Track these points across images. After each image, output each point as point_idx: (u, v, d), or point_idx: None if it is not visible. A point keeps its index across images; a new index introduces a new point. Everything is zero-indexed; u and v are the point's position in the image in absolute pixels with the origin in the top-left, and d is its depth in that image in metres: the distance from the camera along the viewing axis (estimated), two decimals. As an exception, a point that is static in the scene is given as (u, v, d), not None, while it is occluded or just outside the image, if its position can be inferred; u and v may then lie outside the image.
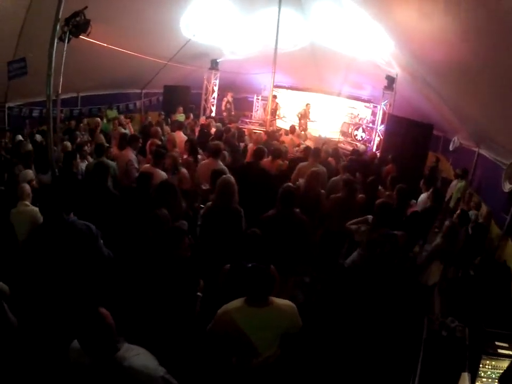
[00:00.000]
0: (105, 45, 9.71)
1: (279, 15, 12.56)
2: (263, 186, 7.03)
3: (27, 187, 5.77)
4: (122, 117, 14.12)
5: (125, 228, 5.66)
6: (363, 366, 5.28)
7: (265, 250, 4.43)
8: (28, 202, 5.64)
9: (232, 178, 5.63)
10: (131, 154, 7.80)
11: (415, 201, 8.08)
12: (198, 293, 4.47)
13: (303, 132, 16.73)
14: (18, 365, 4.01)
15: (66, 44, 6.95)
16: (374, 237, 5.78)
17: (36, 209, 5.54)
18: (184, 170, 7.36)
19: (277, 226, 5.31)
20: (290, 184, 6.32)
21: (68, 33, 6.83)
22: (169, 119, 14.40)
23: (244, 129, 14.40)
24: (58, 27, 6.51)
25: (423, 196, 7.99)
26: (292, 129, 13.61)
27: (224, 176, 5.69)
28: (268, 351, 3.86)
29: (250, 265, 3.75)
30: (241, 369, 3.89)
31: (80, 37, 7.18)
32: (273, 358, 3.93)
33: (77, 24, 6.84)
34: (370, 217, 6.13)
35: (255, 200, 6.34)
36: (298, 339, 4.28)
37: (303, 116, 18.17)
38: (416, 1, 7.24)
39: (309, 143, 13.37)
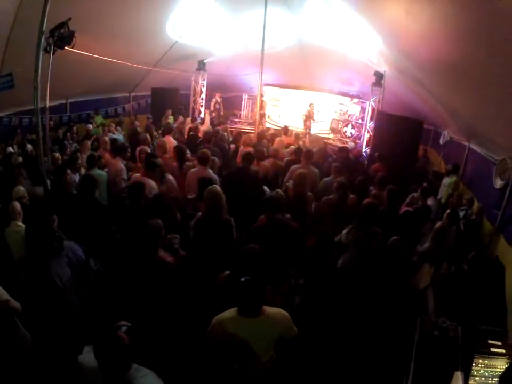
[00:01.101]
0: (91, 54, 9.65)
1: (265, 14, 12.47)
2: (254, 193, 7.01)
3: (17, 206, 5.69)
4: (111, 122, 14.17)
5: (116, 238, 5.71)
6: (357, 366, 5.33)
7: (261, 261, 4.45)
8: (19, 222, 5.58)
9: (218, 188, 5.65)
10: (120, 164, 7.83)
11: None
12: None
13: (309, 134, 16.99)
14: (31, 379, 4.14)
15: (51, 56, 6.89)
16: (359, 235, 5.91)
17: None
18: (170, 177, 7.35)
19: (267, 234, 5.32)
20: (278, 190, 6.36)
21: (53, 45, 6.77)
22: (157, 123, 14.34)
23: (240, 131, 14.32)
24: (43, 39, 6.47)
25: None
26: (285, 130, 13.54)
27: (211, 186, 5.69)
28: (264, 357, 3.91)
29: (243, 278, 3.76)
30: (241, 375, 3.93)
31: (66, 48, 7.11)
32: (270, 362, 3.99)
33: (61, 36, 6.78)
34: None
35: (248, 207, 6.33)
36: (295, 341, 4.30)
37: (308, 117, 18.17)
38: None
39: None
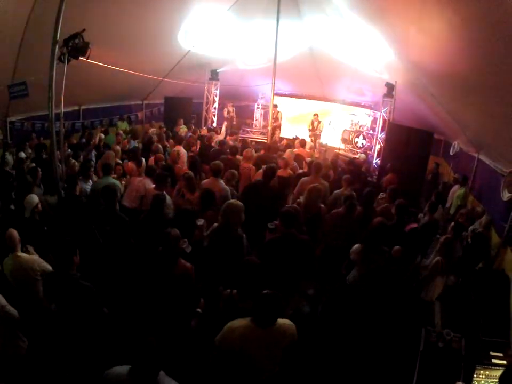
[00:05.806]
0: (105, 65, 9.73)
1: (277, 26, 12.52)
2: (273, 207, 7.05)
3: (14, 234, 5.03)
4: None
5: (135, 250, 5.80)
6: (363, 374, 5.37)
7: (266, 274, 4.48)
8: (18, 253, 5.03)
9: (239, 203, 5.64)
10: (149, 182, 7.69)
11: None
12: (198, 309, 4.75)
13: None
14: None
15: (66, 65, 6.97)
16: (366, 254, 5.97)
17: (29, 259, 5.10)
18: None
19: (280, 248, 5.40)
20: (292, 205, 6.40)
21: (67, 55, 6.84)
22: (170, 133, 14.38)
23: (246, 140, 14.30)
24: (57, 49, 6.55)
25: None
26: (303, 143, 12.69)
27: (232, 200, 5.79)
28: (272, 364, 3.98)
29: (265, 291, 3.83)
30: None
31: (80, 58, 7.17)
32: (277, 367, 4.04)
33: (76, 47, 6.83)
34: None
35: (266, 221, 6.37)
36: (302, 349, 4.36)
37: (312, 129, 17.97)
38: (415, 11, 7.29)
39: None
